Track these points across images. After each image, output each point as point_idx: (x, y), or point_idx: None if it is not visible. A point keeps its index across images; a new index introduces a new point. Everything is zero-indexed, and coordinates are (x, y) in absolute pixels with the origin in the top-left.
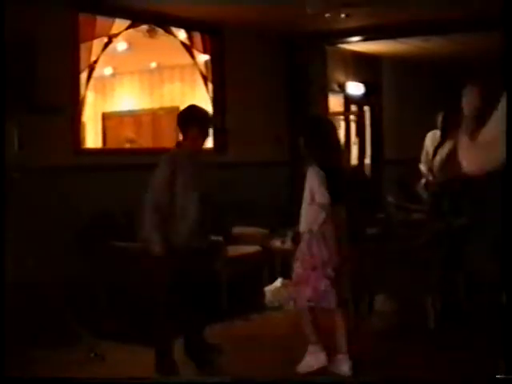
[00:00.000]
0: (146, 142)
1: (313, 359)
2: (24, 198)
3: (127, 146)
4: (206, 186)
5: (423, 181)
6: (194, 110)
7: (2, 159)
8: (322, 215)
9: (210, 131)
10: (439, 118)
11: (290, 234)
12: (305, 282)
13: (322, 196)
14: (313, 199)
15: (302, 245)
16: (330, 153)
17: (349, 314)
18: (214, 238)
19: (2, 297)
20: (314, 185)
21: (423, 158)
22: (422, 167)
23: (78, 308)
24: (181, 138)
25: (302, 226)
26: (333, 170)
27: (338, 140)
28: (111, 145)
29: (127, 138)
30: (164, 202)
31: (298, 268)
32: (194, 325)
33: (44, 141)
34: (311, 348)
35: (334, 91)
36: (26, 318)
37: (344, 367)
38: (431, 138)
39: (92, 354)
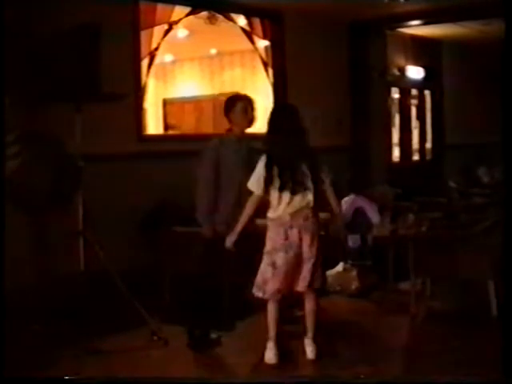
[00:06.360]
0: (206, 127)
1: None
2: (88, 186)
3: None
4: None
5: None
6: (233, 97)
7: (2, 156)
8: None
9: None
10: None
11: None
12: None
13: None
14: None
15: None
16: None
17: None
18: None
19: (3, 296)
20: None
21: None
22: None
23: (142, 293)
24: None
25: None
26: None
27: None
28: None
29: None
30: (211, 187)
31: None
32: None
33: (107, 128)
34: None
35: (394, 75)
36: (90, 305)
37: (308, 351)
38: None
39: (155, 338)
